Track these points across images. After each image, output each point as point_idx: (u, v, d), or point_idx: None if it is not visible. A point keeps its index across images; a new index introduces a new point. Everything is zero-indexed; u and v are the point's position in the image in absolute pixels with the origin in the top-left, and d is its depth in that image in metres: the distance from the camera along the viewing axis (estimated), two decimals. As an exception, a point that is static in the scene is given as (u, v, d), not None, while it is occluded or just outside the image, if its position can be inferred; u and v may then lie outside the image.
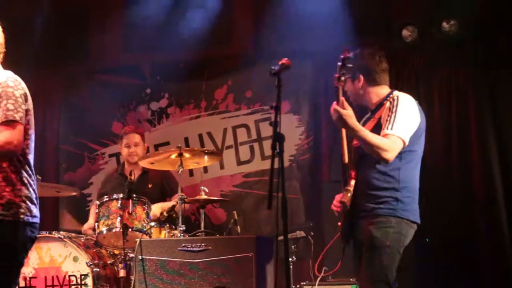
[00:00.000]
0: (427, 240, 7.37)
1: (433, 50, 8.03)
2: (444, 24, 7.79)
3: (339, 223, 5.04)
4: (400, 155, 4.80)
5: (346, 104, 4.77)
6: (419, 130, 4.92)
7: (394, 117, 4.79)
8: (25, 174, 4.45)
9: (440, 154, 7.95)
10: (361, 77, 5.07)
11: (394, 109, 4.83)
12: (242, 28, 8.93)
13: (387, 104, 4.91)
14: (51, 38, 9.10)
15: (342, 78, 4.84)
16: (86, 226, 7.58)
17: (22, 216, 4.34)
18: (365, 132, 4.76)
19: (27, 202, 4.39)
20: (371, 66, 5.08)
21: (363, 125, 4.94)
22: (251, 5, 8.98)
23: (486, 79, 7.91)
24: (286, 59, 4.47)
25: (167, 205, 7.17)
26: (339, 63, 4.82)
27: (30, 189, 4.45)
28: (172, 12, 8.80)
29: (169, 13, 8.84)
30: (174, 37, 8.69)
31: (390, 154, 4.74)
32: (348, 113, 4.72)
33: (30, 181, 4.47)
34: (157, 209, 7.09)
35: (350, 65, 4.80)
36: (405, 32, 7.98)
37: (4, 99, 4.35)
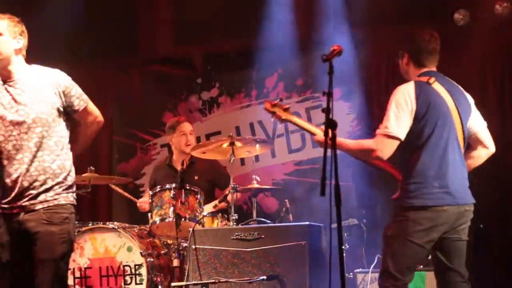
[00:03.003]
0: (481, 226, 7.26)
1: (485, 33, 7.89)
2: (497, 7, 7.66)
3: None
4: (404, 145, 4.79)
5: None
6: (419, 114, 4.79)
7: (386, 114, 4.79)
8: None
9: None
10: (406, 55, 5.01)
11: (388, 106, 4.82)
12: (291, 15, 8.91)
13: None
14: (102, 30, 9.17)
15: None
16: (142, 200, 7.64)
17: None
18: (345, 144, 4.89)
19: None
20: (420, 45, 4.97)
21: None
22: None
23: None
24: (337, 45, 4.40)
25: (214, 202, 7.21)
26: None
27: None
28: (222, 2, 8.81)
29: (219, 3, 8.86)
30: (224, 26, 8.70)
31: (379, 153, 4.78)
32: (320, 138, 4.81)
33: None
34: (209, 207, 7.12)
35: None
36: (457, 16, 7.87)
37: (71, 87, 4.82)
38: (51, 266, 4.60)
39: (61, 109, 4.76)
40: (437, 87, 4.87)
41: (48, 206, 4.63)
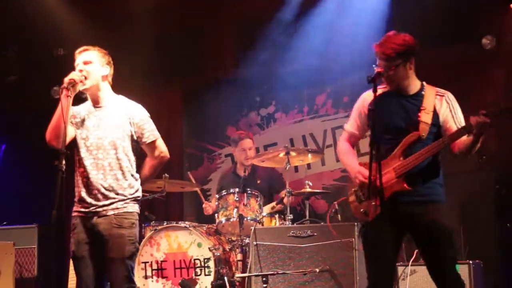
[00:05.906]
0: (508, 225, 7.20)
1: (511, 56, 7.77)
2: None
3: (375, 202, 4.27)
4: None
5: None
6: None
7: (458, 112, 4.46)
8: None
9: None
10: (414, 60, 4.54)
11: (454, 104, 4.46)
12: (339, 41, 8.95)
13: (443, 101, 4.43)
14: (175, 55, 9.31)
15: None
16: (208, 203, 7.73)
17: None
18: None
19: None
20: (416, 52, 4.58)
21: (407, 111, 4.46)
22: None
23: None
24: (380, 67, 4.43)
25: (272, 204, 7.29)
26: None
27: None
28: (279, 28, 8.88)
29: (276, 29, 8.94)
30: (280, 51, 8.78)
31: None
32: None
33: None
34: (267, 209, 7.21)
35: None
36: (484, 41, 7.80)
37: (145, 121, 4.94)
38: (122, 263, 4.73)
39: (134, 137, 4.88)
40: None
41: (119, 213, 4.77)
